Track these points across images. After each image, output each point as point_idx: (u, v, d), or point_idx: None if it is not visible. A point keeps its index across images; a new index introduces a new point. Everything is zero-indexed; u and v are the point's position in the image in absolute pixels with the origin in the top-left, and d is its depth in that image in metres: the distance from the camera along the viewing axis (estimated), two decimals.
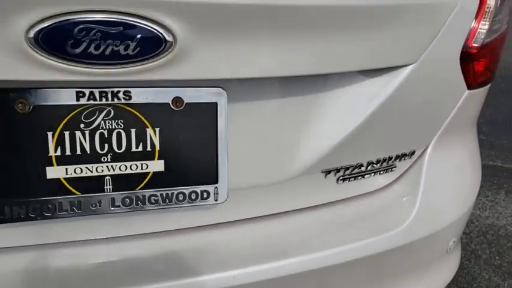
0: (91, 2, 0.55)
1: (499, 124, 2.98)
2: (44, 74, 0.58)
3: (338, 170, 0.87)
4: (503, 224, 2.25)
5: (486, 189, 2.49)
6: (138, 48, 0.59)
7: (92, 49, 0.57)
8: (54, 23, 0.55)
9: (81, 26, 0.55)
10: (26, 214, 0.67)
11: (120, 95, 0.67)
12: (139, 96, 0.68)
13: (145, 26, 0.58)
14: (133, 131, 0.69)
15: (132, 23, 0.57)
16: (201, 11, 0.60)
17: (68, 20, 0.55)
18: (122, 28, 0.57)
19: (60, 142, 0.66)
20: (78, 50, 0.57)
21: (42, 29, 0.55)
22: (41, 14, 0.54)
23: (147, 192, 0.72)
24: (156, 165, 0.72)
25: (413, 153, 0.95)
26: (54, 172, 0.67)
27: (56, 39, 0.55)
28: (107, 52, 0.58)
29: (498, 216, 2.30)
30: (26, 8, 0.53)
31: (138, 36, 0.58)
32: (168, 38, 0.60)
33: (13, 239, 0.69)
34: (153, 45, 0.60)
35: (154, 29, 0.59)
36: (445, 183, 1.00)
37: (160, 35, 0.59)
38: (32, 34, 0.55)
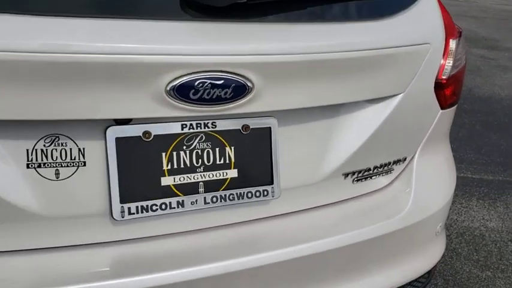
0: (206, 67, 0.86)
1: (464, 140, 3.37)
2: (172, 112, 0.88)
3: (353, 173, 1.18)
4: (477, 226, 2.59)
5: (460, 197, 2.83)
6: (232, 93, 0.90)
7: (205, 95, 0.87)
8: (184, 81, 0.85)
9: (200, 81, 0.86)
10: (148, 211, 0.95)
11: (209, 124, 0.97)
12: (221, 125, 0.98)
13: (236, 79, 0.89)
14: (217, 149, 0.99)
15: (229, 77, 0.88)
16: (269, 69, 0.92)
17: (192, 78, 0.86)
18: (223, 81, 0.88)
19: (170, 159, 0.96)
20: (196, 96, 0.87)
21: (176, 84, 0.85)
22: (177, 75, 0.84)
23: (227, 192, 1.01)
24: (232, 173, 1.01)
25: (405, 159, 1.28)
26: (166, 181, 0.96)
27: (184, 90, 0.86)
28: (214, 96, 0.88)
29: (472, 220, 2.64)
30: (169, 73, 0.84)
31: (232, 85, 0.89)
32: (249, 85, 0.91)
33: (141, 232, 0.97)
34: (240, 91, 0.90)
35: (242, 80, 0.90)
36: (430, 180, 1.32)
37: (245, 84, 0.90)
38: (169, 88, 0.85)
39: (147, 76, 0.84)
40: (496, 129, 3.89)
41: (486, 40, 7.44)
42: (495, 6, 11.76)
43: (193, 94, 0.87)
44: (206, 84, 0.87)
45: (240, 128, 1.00)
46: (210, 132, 0.98)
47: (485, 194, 2.91)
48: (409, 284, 1.31)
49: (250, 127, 1.01)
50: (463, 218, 2.64)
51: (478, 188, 2.96)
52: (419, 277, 1.33)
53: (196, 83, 0.86)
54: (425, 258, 1.34)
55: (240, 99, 0.91)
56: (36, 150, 0.87)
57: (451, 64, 1.25)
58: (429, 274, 1.38)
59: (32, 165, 0.87)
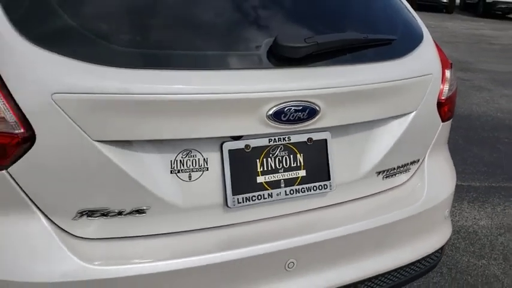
0: (291, 99, 1.27)
1: (451, 153, 3.82)
2: (267, 130, 1.28)
3: (383, 172, 1.59)
4: (470, 224, 3.01)
5: (453, 201, 3.25)
6: (307, 115, 1.31)
7: (289, 117, 1.28)
8: (278, 108, 1.26)
9: (287, 108, 1.26)
10: (250, 201, 1.34)
11: (286, 138, 1.38)
12: (293, 138, 1.39)
13: (310, 105, 1.30)
14: (291, 156, 1.39)
15: (305, 105, 1.29)
16: (330, 97, 1.33)
17: (282, 106, 1.26)
18: (301, 107, 1.29)
19: (262, 164, 1.35)
20: (285, 118, 1.28)
21: (273, 111, 1.26)
22: (273, 105, 1.25)
23: (299, 187, 1.41)
24: (302, 173, 1.41)
25: (418, 160, 1.69)
26: (260, 179, 1.36)
27: (277, 115, 1.26)
28: (295, 118, 1.29)
29: (465, 220, 3.06)
30: (269, 104, 1.24)
31: (307, 110, 1.30)
32: (317, 109, 1.32)
33: (245, 217, 1.35)
34: (312, 113, 1.31)
35: (313, 106, 1.30)
36: (437, 176, 1.73)
37: (315, 109, 1.31)
38: (269, 113, 1.26)
39: (255, 107, 1.25)
40: (477, 143, 4.37)
41: (460, 63, 8.05)
42: (465, 31, 12.55)
43: (283, 117, 1.27)
44: (291, 110, 1.28)
45: (306, 140, 1.41)
46: (286, 144, 1.38)
47: (475, 198, 3.34)
48: (428, 257, 1.71)
49: (313, 139, 1.42)
50: (457, 219, 3.06)
51: (467, 193, 3.40)
52: (435, 251, 1.73)
53: (285, 109, 1.27)
54: (439, 236, 1.75)
55: (311, 119, 1.32)
56: (176, 160, 1.26)
57: (447, 88, 1.69)
58: (442, 250, 1.78)
59: (173, 171, 1.26)
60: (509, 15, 17.80)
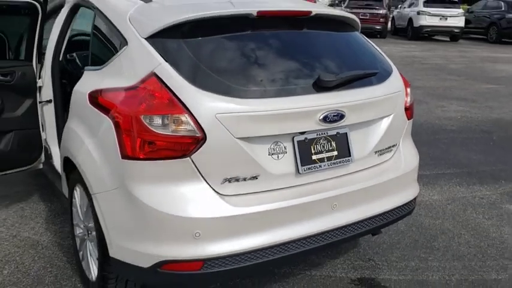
0: (331, 109, 2.28)
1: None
2: (318, 127, 2.28)
3: (378, 151, 2.61)
4: (426, 199, 4.09)
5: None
6: (339, 118, 2.31)
7: (330, 120, 2.29)
8: (324, 115, 2.26)
9: (328, 114, 2.27)
10: (310, 170, 2.32)
11: (325, 133, 2.37)
12: (329, 132, 2.39)
13: (340, 113, 2.30)
14: (328, 143, 2.39)
15: (338, 112, 2.30)
16: (351, 107, 2.36)
17: (326, 113, 2.26)
18: (336, 114, 2.30)
19: (313, 148, 2.35)
20: (328, 120, 2.27)
21: (322, 117, 2.25)
22: (322, 113, 2.26)
23: (334, 161, 2.39)
24: (335, 152, 2.41)
25: (396, 144, 2.74)
26: (313, 157, 2.35)
27: (324, 118, 2.27)
28: (333, 120, 2.29)
29: (423, 196, 4.14)
30: (320, 113, 2.26)
31: (339, 115, 2.30)
32: (344, 115, 2.34)
33: (309, 179, 2.34)
34: (341, 117, 2.32)
35: (342, 113, 2.31)
36: (407, 154, 2.79)
37: (343, 114, 2.33)
38: (320, 118, 2.26)
39: (312, 115, 2.25)
40: (423, 144, 5.54)
41: None
42: (399, 54, 14.16)
43: (327, 119, 2.28)
44: (331, 115, 2.29)
45: (335, 134, 2.42)
46: (325, 136, 2.39)
47: (427, 182, 4.46)
48: (407, 204, 2.74)
49: (340, 133, 2.43)
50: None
51: (421, 179, 4.45)
52: (411, 200, 2.77)
53: (327, 115, 2.28)
54: (412, 191, 2.79)
55: (340, 121, 2.34)
56: (271, 147, 2.23)
57: (408, 99, 2.76)
58: (414, 201, 2.82)
59: (270, 154, 2.23)
60: (434, 37, 19.89)
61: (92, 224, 2.47)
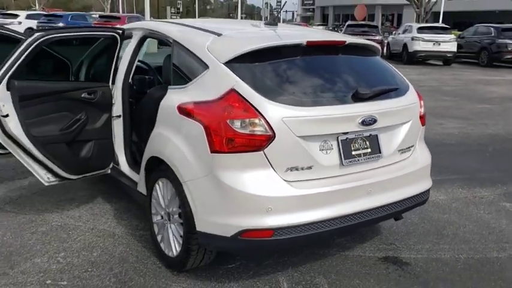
0: (367, 114, 2.96)
1: None
2: (357, 128, 2.96)
3: (401, 150, 3.28)
4: (434, 199, 4.75)
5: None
6: (372, 122, 2.99)
7: (366, 123, 2.97)
8: (362, 119, 2.93)
9: (365, 118, 2.95)
10: (351, 162, 2.99)
11: (361, 134, 3.04)
12: (364, 133, 3.07)
13: (374, 117, 2.99)
14: (364, 142, 3.06)
15: (372, 117, 2.98)
16: (381, 113, 3.04)
17: (363, 118, 2.94)
18: (371, 118, 2.98)
19: (352, 145, 3.01)
20: (365, 123, 2.96)
21: (361, 120, 2.93)
22: (362, 117, 2.94)
23: (368, 156, 3.06)
24: (369, 150, 3.07)
25: (413, 145, 3.41)
26: (353, 153, 3.01)
27: (362, 122, 2.94)
28: (368, 123, 2.97)
29: (431, 197, 4.80)
30: (360, 117, 2.93)
31: (372, 120, 2.98)
32: (376, 119, 3.02)
33: (350, 170, 3.00)
34: (374, 121, 3.00)
35: (376, 118, 3.00)
36: (422, 153, 3.47)
37: (376, 119, 3.01)
38: (359, 122, 2.93)
39: (353, 119, 2.93)
40: None
41: None
42: None
43: (364, 123, 2.97)
44: (367, 120, 2.97)
45: (369, 135, 3.10)
46: (361, 137, 3.06)
47: (433, 186, 5.10)
48: (422, 193, 3.40)
49: (372, 134, 3.11)
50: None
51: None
52: (425, 191, 3.43)
53: (364, 119, 2.96)
54: (426, 183, 3.46)
55: (373, 124, 3.02)
56: (321, 144, 2.89)
57: (422, 109, 3.46)
58: (428, 192, 3.49)
59: (320, 149, 2.89)
60: (427, 61, 20.85)
61: (175, 209, 3.11)
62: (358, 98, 3.00)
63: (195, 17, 66.25)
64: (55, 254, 3.46)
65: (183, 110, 2.99)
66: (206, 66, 3.01)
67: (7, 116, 3.32)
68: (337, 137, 2.95)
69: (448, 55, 19.79)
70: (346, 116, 2.93)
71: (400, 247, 3.74)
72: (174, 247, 3.20)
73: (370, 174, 3.09)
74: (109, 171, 4.12)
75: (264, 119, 2.72)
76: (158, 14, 50.58)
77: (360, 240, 3.81)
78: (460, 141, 7.18)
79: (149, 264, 3.36)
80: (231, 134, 2.72)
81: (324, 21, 64.56)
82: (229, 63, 2.92)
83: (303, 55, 3.07)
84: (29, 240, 3.67)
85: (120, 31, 3.80)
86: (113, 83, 3.96)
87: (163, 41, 3.71)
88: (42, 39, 3.35)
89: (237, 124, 2.72)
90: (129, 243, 3.66)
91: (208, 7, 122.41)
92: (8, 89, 3.29)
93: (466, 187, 5.15)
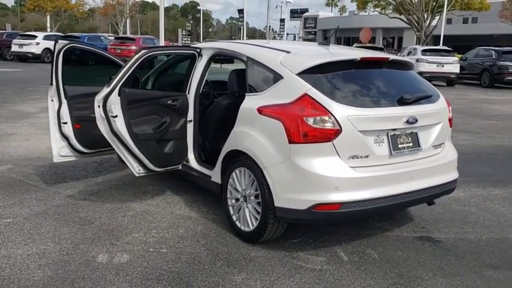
0: (411, 115, 3.73)
1: None
2: (403, 126, 3.73)
3: (434, 146, 4.04)
4: (454, 196, 5.49)
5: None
6: (414, 121, 3.76)
7: (409, 122, 3.74)
8: (407, 118, 3.70)
9: (409, 118, 3.72)
10: (397, 153, 3.76)
11: (405, 131, 3.81)
12: (407, 130, 3.83)
13: (415, 117, 3.76)
14: (406, 137, 3.83)
15: (414, 117, 3.75)
16: (421, 114, 3.80)
17: (408, 117, 3.70)
18: (414, 118, 3.74)
19: (399, 140, 3.78)
20: (409, 121, 3.73)
21: (406, 119, 3.70)
22: (407, 116, 3.71)
23: (410, 149, 3.82)
24: (410, 144, 3.83)
25: (443, 142, 4.17)
26: (399, 146, 3.79)
27: (407, 120, 3.71)
28: (411, 122, 3.75)
29: (451, 194, 5.55)
30: (406, 117, 3.70)
31: (416, 119, 3.76)
32: (417, 119, 3.78)
33: (396, 160, 3.75)
34: (416, 120, 3.76)
35: (417, 118, 3.76)
36: (450, 149, 4.24)
37: (417, 119, 3.77)
38: (405, 120, 3.70)
39: (400, 118, 3.70)
40: None
41: None
42: None
43: (408, 121, 3.73)
44: (411, 119, 3.74)
45: (410, 132, 3.86)
46: (405, 133, 3.82)
47: None
48: (450, 182, 4.14)
49: (413, 131, 3.87)
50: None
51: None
52: (453, 180, 4.18)
53: (409, 119, 3.72)
54: (454, 174, 4.22)
55: (414, 123, 3.78)
56: (375, 138, 3.65)
57: (450, 114, 4.23)
58: (455, 181, 4.24)
59: (375, 142, 3.66)
60: (431, 82, 21.74)
61: (252, 191, 3.85)
62: (403, 102, 3.77)
63: (199, 39, 67.74)
64: (148, 231, 4.19)
65: (263, 111, 3.75)
66: (281, 77, 3.79)
67: (116, 116, 4.09)
68: (387, 133, 3.71)
69: (452, 76, 20.71)
70: (395, 115, 3.69)
71: (431, 230, 4.46)
72: (251, 222, 3.92)
73: (412, 163, 3.84)
74: (180, 167, 4.86)
75: (333, 116, 3.48)
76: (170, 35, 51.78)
77: (397, 225, 4.54)
78: (470, 151, 7.94)
79: (228, 238, 4.09)
80: (307, 128, 3.48)
81: None
82: (301, 74, 3.69)
83: (357, 68, 3.85)
84: (122, 221, 4.39)
85: (199, 49, 4.59)
86: (188, 92, 4.73)
87: (228, 59, 4.52)
88: (146, 56, 4.14)
89: (310, 120, 3.48)
90: (206, 223, 4.39)
91: (210, 29, 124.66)
92: (119, 95, 4.06)
93: (481, 187, 5.89)
